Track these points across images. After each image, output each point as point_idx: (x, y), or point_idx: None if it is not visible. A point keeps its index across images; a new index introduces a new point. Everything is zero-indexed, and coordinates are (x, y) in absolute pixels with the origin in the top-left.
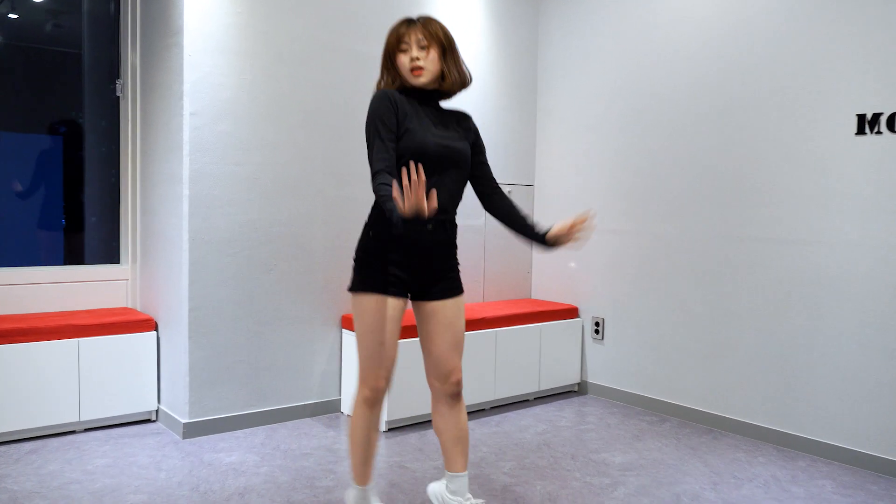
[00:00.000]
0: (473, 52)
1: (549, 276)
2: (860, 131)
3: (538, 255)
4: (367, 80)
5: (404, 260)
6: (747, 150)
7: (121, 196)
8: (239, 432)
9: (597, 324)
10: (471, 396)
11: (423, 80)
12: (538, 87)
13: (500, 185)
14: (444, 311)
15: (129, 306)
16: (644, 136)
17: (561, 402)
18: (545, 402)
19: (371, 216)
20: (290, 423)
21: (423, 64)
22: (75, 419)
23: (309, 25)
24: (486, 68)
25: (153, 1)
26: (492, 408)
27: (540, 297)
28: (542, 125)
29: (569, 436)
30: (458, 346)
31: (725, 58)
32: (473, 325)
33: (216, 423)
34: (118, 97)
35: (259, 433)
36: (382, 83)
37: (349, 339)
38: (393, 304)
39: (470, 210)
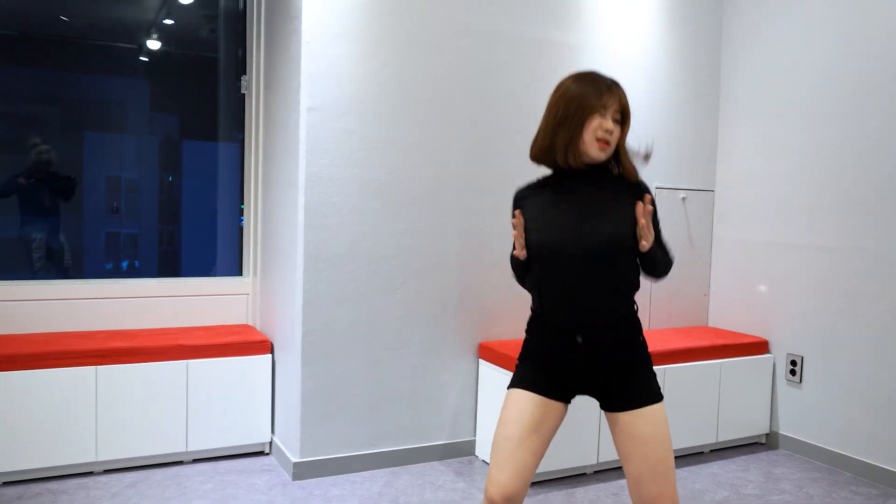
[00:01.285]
0: (644, 28)
1: (732, 300)
2: None
3: (718, 273)
4: (516, 67)
5: (560, 367)
6: None
7: (244, 202)
8: (356, 476)
9: (793, 362)
10: None
11: (603, 155)
12: (721, 69)
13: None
14: (632, 425)
15: (250, 323)
16: (863, 128)
17: (745, 458)
18: (724, 458)
19: (530, 318)
20: (414, 468)
21: (611, 139)
22: (182, 449)
23: (447, 4)
24: (657, 47)
25: None
26: None
27: (720, 325)
28: (725, 117)
29: None
30: (659, 471)
31: None
32: None
33: (330, 463)
34: (243, 95)
35: (378, 478)
36: (557, 141)
37: (486, 370)
38: (537, 400)
39: None
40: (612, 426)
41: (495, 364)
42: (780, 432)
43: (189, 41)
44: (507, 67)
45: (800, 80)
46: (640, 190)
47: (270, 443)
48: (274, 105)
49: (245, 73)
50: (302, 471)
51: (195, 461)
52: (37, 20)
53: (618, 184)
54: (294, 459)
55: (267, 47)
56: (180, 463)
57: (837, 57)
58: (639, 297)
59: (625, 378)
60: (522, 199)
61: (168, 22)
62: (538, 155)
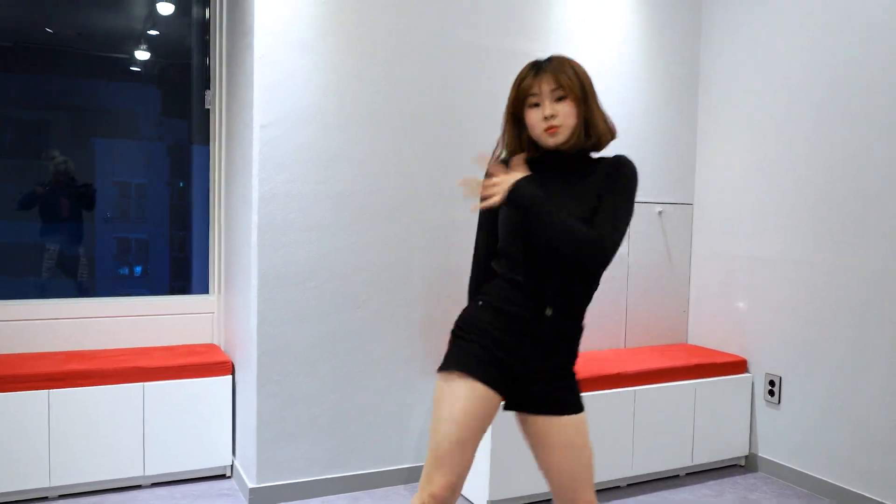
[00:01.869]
0: (618, 35)
1: (711, 316)
2: None
3: (697, 288)
4: (481, 75)
5: (512, 344)
6: None
7: (209, 219)
8: (315, 500)
9: (771, 382)
10: (602, 471)
11: (560, 138)
12: (699, 82)
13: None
14: (563, 432)
15: (216, 342)
16: (841, 139)
17: (721, 481)
18: (700, 481)
19: (472, 314)
20: (378, 492)
21: (559, 121)
22: (139, 473)
23: (407, 13)
24: (633, 56)
25: (239, 1)
26: (629, 485)
27: (699, 342)
28: (703, 128)
29: None
30: (581, 474)
31: None
32: (606, 382)
33: (288, 488)
34: (208, 109)
35: None
36: (504, 142)
37: None
38: (486, 395)
39: None
40: (536, 434)
41: None
42: (760, 454)
43: (173, 50)
44: (473, 78)
45: (777, 93)
46: (616, 166)
47: (231, 466)
48: (234, 119)
49: (209, 88)
50: (258, 497)
51: (153, 485)
52: (33, 29)
53: (598, 165)
54: (251, 485)
55: (228, 61)
56: (138, 487)
57: (813, 71)
58: (614, 314)
59: (563, 379)
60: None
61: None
62: (511, 156)
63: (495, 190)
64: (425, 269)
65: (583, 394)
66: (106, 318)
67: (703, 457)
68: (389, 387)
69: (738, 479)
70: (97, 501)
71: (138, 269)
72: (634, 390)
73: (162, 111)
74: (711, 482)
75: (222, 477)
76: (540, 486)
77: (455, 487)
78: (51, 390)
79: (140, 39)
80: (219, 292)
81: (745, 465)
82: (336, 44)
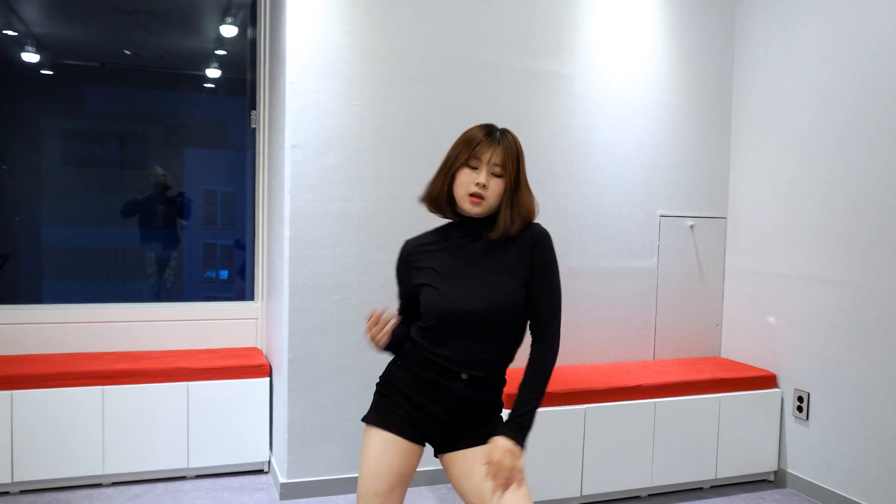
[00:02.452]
0: (648, 51)
1: (743, 331)
2: None
3: (731, 303)
4: (503, 94)
5: (427, 405)
6: None
7: (255, 233)
8: (340, 498)
9: (800, 398)
10: (621, 481)
11: (478, 210)
12: (733, 95)
13: (545, 342)
14: (469, 460)
15: (258, 346)
16: (867, 155)
17: (748, 496)
18: (726, 495)
19: (403, 345)
20: None
21: (487, 194)
22: (183, 465)
23: (429, 37)
24: (666, 72)
25: (274, 25)
26: (650, 495)
27: (732, 356)
28: (736, 144)
29: None
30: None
31: None
32: (626, 393)
33: (316, 485)
34: (254, 129)
35: None
36: (430, 191)
37: None
38: (402, 446)
39: (640, 249)
40: (453, 465)
41: None
42: (788, 470)
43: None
44: (493, 98)
45: (808, 110)
46: (528, 242)
47: (269, 462)
48: (273, 140)
49: (254, 108)
50: (288, 492)
51: (197, 477)
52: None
53: (513, 240)
54: (282, 480)
55: (270, 84)
56: (183, 478)
57: (842, 88)
58: (643, 328)
59: (482, 425)
60: (412, 256)
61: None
62: (427, 203)
63: (503, 475)
64: None
65: (604, 404)
66: (157, 322)
67: (729, 470)
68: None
69: (765, 493)
70: (146, 490)
71: (224, 274)
72: (654, 402)
73: (238, 122)
74: (737, 496)
75: (260, 472)
76: (562, 490)
77: None
78: (104, 387)
79: (210, 58)
80: (262, 299)
81: (773, 481)
82: (360, 70)
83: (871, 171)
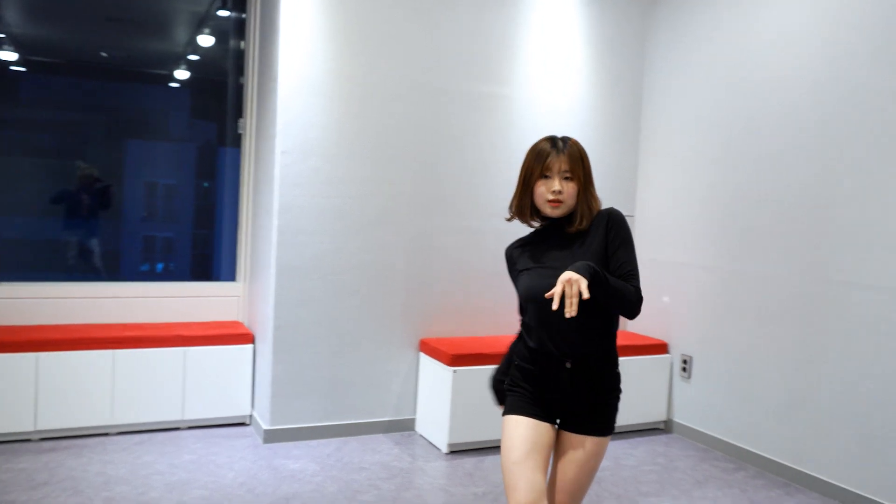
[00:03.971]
0: (575, 81)
1: (645, 309)
2: None
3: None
4: (453, 115)
5: (545, 392)
6: (838, 190)
7: (239, 222)
8: (314, 442)
9: (685, 361)
10: None
11: (559, 212)
12: (641, 117)
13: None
14: (575, 446)
15: (240, 320)
16: (736, 168)
17: (640, 439)
18: (625, 438)
19: (515, 347)
20: (363, 438)
21: (563, 198)
22: (180, 417)
23: (396, 66)
24: (588, 96)
25: (265, 46)
26: None
27: (635, 330)
28: (643, 156)
29: (627, 476)
30: (578, 494)
31: (819, 88)
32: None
33: (294, 431)
34: (241, 133)
35: (331, 444)
36: (514, 205)
37: (425, 362)
38: (531, 424)
39: None
40: (559, 442)
41: (432, 357)
42: (675, 420)
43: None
44: (448, 116)
45: (692, 128)
46: (604, 222)
47: (251, 416)
48: (261, 146)
49: (242, 117)
50: (271, 436)
51: (190, 427)
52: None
53: (592, 226)
54: (265, 427)
55: (259, 97)
56: (178, 429)
57: (725, 113)
58: None
59: (595, 403)
60: (513, 255)
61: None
62: (515, 215)
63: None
64: (405, 267)
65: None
66: (152, 297)
67: (628, 419)
68: (374, 358)
69: (657, 438)
70: (149, 437)
71: (173, 263)
72: None
73: (196, 117)
74: (633, 440)
75: (242, 424)
76: (491, 434)
77: (533, 499)
78: (115, 350)
79: (181, 61)
80: (244, 280)
81: (663, 429)
82: (340, 91)
83: (740, 182)
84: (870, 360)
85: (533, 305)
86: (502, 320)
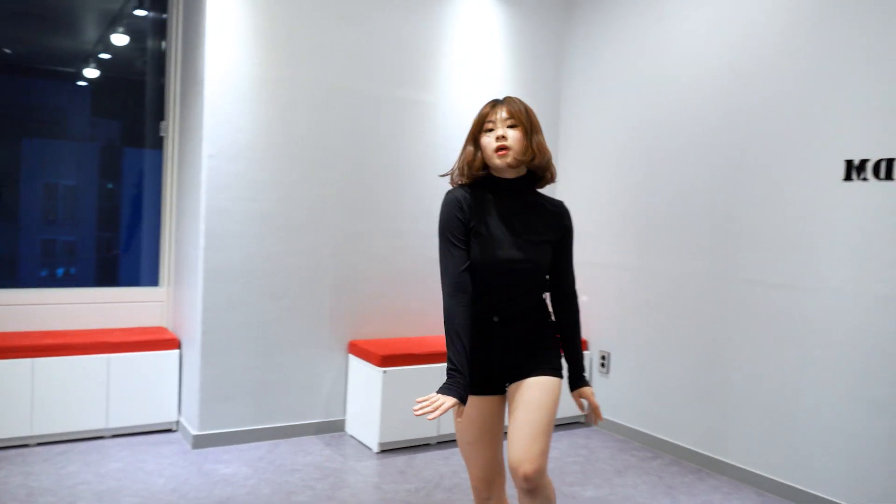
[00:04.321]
0: (495, 87)
1: None
2: (847, 177)
3: None
4: (378, 120)
5: (489, 355)
6: (742, 193)
7: (161, 226)
8: (245, 445)
9: (603, 357)
10: None
11: (508, 159)
12: (560, 123)
13: (574, 295)
14: (528, 389)
15: (164, 325)
16: (650, 171)
17: (563, 433)
18: None
19: (461, 341)
20: (293, 440)
21: (508, 143)
22: (103, 426)
23: (322, 71)
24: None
25: (189, 49)
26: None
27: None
28: (562, 162)
29: (552, 467)
30: (534, 435)
31: (724, 98)
32: None
33: (224, 436)
34: (162, 136)
35: (262, 447)
36: (463, 159)
37: (354, 363)
38: (480, 403)
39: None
40: (512, 395)
41: (362, 358)
42: None
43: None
44: (372, 121)
45: (609, 136)
46: (565, 218)
47: (177, 422)
48: (185, 150)
49: (164, 119)
50: (200, 441)
51: (115, 436)
52: None
53: (545, 203)
54: (194, 432)
55: (182, 101)
56: (102, 437)
57: (635, 122)
58: None
59: (532, 348)
60: (462, 204)
61: (106, 55)
62: (457, 170)
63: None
64: (331, 270)
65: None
66: (73, 304)
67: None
68: (301, 361)
69: (578, 431)
70: (69, 448)
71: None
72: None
73: (106, 117)
74: (556, 433)
75: (169, 431)
76: (421, 432)
77: (491, 475)
78: (34, 359)
79: (91, 59)
80: (168, 285)
81: (584, 422)
82: (267, 96)
83: (653, 184)
84: (772, 351)
85: (486, 268)
86: (430, 321)
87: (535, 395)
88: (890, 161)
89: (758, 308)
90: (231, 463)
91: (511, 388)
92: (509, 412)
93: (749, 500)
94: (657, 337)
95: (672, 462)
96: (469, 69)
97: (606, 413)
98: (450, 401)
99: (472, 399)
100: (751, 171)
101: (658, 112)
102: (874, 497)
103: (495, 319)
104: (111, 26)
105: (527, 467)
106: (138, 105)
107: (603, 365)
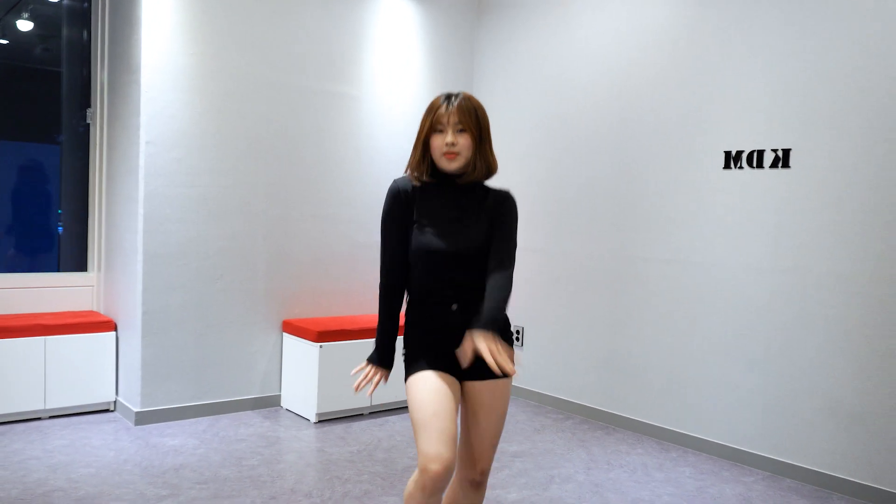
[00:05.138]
0: (413, 83)
1: None
2: (727, 166)
3: None
4: (306, 111)
5: (442, 344)
6: (637, 179)
7: (88, 212)
8: (185, 421)
9: (517, 332)
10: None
11: (455, 165)
12: None
13: (504, 269)
14: (482, 393)
15: (95, 309)
16: (556, 162)
17: None
18: None
19: (406, 312)
20: (232, 415)
21: (458, 150)
22: (41, 407)
23: (254, 63)
24: (426, 97)
25: (118, 39)
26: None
27: None
28: None
29: None
30: (494, 439)
31: (621, 96)
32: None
33: (165, 412)
34: (88, 124)
35: (203, 422)
36: (411, 160)
37: (289, 341)
38: (436, 378)
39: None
40: (465, 394)
41: (297, 335)
42: (512, 383)
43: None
44: (302, 112)
45: (518, 126)
46: (502, 204)
47: (115, 402)
48: (117, 136)
49: (90, 107)
50: (142, 419)
51: (52, 417)
52: None
53: (487, 193)
54: (135, 410)
55: (110, 88)
56: (39, 419)
57: (546, 111)
58: None
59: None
60: (407, 198)
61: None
62: (410, 167)
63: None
64: (264, 253)
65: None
66: (4, 289)
67: None
68: (238, 340)
69: None
70: (8, 429)
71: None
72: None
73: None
74: None
75: (107, 411)
76: (355, 402)
77: (450, 451)
78: None
79: None
80: (99, 270)
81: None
82: (201, 85)
83: (559, 174)
84: (665, 319)
85: (426, 257)
86: (357, 301)
87: (496, 404)
88: (760, 152)
89: (652, 282)
90: (176, 436)
91: (469, 387)
92: (470, 411)
93: (651, 448)
94: (566, 311)
95: (583, 421)
96: (389, 65)
97: (523, 382)
98: (380, 373)
99: (428, 374)
100: (645, 162)
101: (562, 109)
102: (749, 436)
103: (454, 308)
104: (10, 12)
105: (485, 464)
106: (56, 94)
107: (517, 338)
